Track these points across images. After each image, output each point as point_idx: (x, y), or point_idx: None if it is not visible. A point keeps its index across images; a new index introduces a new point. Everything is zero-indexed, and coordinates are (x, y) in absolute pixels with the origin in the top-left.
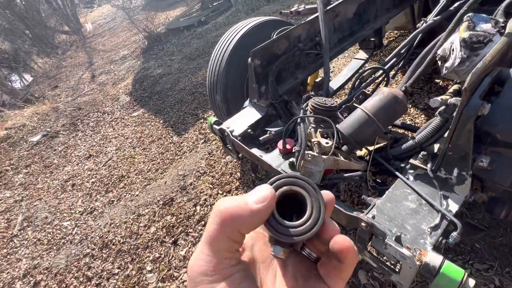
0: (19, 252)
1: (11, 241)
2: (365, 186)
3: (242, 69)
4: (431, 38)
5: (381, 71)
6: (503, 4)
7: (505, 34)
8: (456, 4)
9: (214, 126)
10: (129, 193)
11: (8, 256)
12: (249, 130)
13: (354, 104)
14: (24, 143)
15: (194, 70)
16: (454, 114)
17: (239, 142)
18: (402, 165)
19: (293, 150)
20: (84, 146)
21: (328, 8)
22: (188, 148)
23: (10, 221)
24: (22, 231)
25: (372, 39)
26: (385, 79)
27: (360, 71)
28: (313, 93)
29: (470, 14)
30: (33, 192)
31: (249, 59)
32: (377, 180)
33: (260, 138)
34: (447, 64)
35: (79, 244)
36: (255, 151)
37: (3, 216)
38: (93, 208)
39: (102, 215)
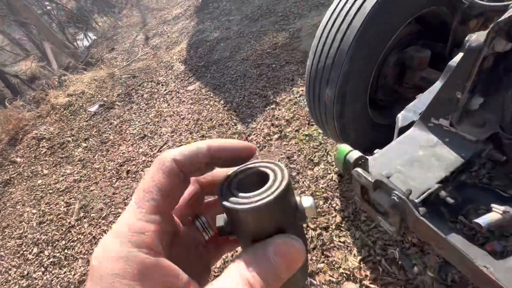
0: (75, 249)
1: (68, 232)
2: None
3: (377, 47)
4: None
5: None
6: None
7: None
8: None
9: (360, 172)
10: None
11: (66, 251)
12: (442, 192)
13: None
14: (83, 112)
15: (258, 34)
16: None
17: (429, 223)
18: None
19: None
20: (138, 122)
21: None
22: (257, 145)
23: (69, 205)
24: (78, 222)
25: None
26: None
27: None
28: None
29: None
30: (90, 172)
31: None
32: None
33: (480, 220)
34: None
35: None
36: (464, 246)
37: (63, 198)
38: None
39: None
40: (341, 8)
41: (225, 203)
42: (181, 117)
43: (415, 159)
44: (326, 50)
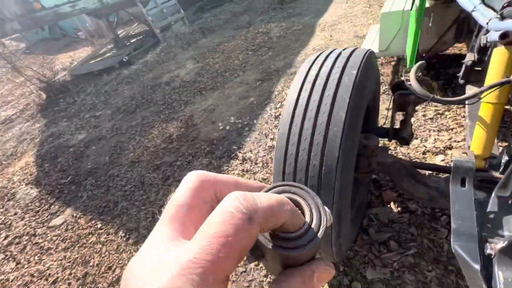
0: None
1: None
2: None
3: (354, 149)
4: None
5: None
6: None
7: None
8: None
9: None
10: None
11: None
12: None
13: None
14: None
15: (142, 128)
16: None
17: None
18: None
19: None
20: None
21: None
22: None
23: None
24: None
25: None
26: None
27: None
28: None
29: None
30: None
31: None
32: None
33: None
34: None
35: None
36: None
37: None
38: None
39: None
40: (303, 114)
41: (273, 248)
42: (51, 281)
43: None
44: (302, 168)
